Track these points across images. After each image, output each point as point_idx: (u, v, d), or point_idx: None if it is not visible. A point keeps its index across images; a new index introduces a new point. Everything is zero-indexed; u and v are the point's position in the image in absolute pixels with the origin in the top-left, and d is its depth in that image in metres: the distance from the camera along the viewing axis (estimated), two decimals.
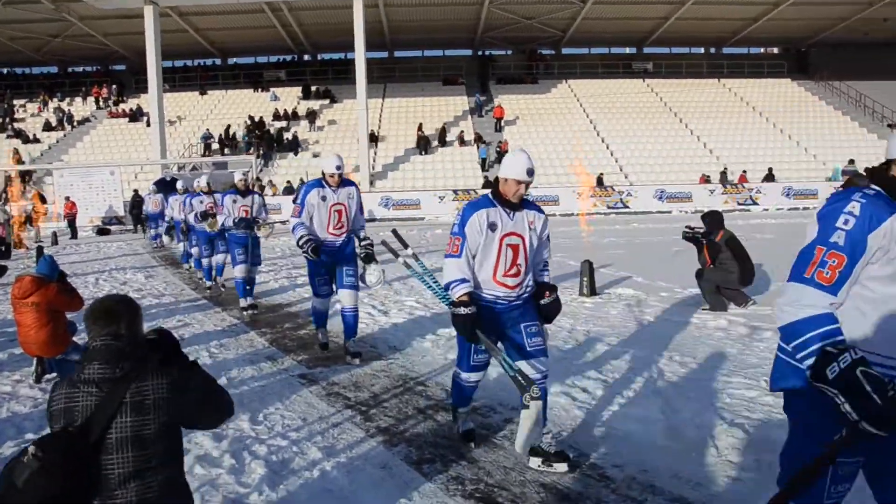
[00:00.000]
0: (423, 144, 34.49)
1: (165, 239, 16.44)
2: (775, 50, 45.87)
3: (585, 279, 9.49)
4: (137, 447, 2.18)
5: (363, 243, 6.64)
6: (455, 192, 29.71)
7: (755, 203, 29.22)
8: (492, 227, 3.94)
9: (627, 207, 29.50)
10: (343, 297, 6.60)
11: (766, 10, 37.62)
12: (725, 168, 31.88)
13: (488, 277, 4.00)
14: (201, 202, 11.16)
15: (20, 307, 5.87)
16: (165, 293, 11.06)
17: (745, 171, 31.13)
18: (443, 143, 35.28)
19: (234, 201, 9.21)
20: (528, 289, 4.12)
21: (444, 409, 5.00)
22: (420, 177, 32.29)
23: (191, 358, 2.53)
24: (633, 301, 8.97)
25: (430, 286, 4.68)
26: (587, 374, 5.65)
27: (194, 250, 12.27)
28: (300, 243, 6.39)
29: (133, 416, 2.18)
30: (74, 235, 24.67)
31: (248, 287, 9.24)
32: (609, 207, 29.57)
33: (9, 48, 39.93)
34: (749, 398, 4.89)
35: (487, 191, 4.21)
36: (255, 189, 12.25)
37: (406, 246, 5.62)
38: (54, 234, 22.44)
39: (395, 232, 5.90)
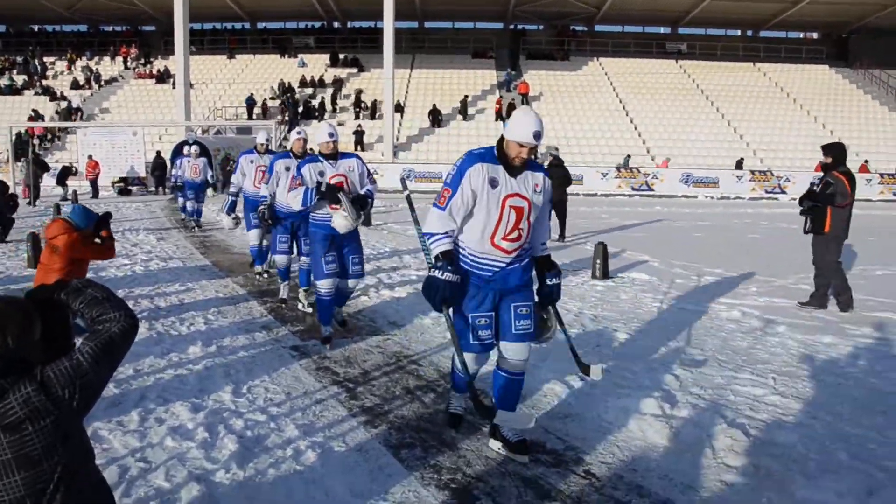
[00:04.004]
0: (435, 119, 34.09)
1: (227, 221, 9.83)
2: (815, 35, 44.65)
3: (598, 261, 9.23)
4: (26, 468, 1.86)
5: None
6: None
7: (783, 192, 28.57)
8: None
9: (652, 190, 28.99)
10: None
11: None
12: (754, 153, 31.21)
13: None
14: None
15: (46, 247, 5.83)
16: (174, 256, 10.96)
17: (866, 161, 30.31)
18: (465, 115, 34.87)
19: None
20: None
21: (434, 390, 4.82)
22: (444, 149, 31.96)
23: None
24: (647, 287, 8.70)
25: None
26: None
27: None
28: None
29: (8, 435, 1.85)
30: (96, 195, 24.73)
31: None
32: (633, 189, 29.09)
33: (38, 5, 40.02)
34: (754, 396, 4.63)
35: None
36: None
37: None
38: (74, 193, 22.49)
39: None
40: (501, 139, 3.67)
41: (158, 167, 26.85)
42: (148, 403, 4.45)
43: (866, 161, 30.03)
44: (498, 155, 3.66)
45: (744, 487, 3.41)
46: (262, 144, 9.43)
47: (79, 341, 2.07)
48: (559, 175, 13.06)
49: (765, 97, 37.17)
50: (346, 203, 5.66)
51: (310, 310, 7.01)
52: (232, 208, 9.59)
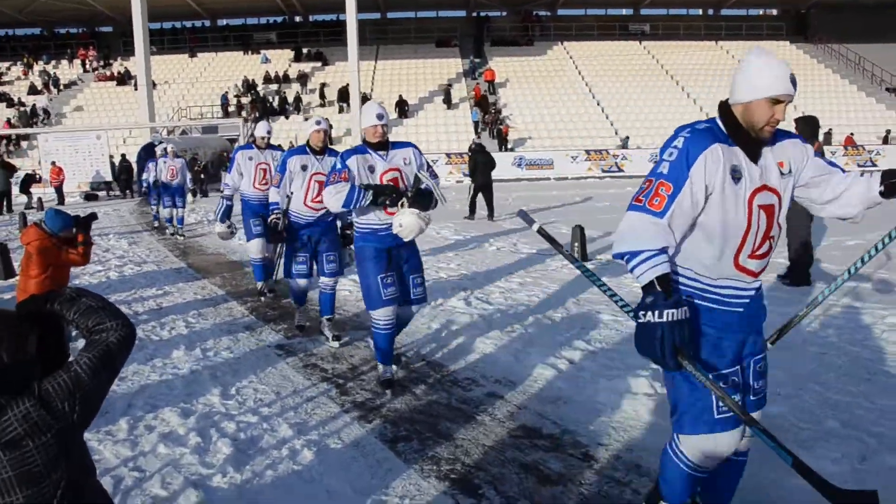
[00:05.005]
0: (402, 109, 33.97)
1: (220, 229, 8.23)
2: (774, 11, 45.16)
3: (577, 244, 9.27)
4: (28, 485, 1.79)
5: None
6: (448, 155, 29.35)
7: None
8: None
9: (622, 171, 29.16)
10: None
11: None
12: None
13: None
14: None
15: (24, 254, 5.75)
16: (148, 260, 10.80)
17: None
18: (449, 104, 34.75)
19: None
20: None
21: (424, 381, 4.81)
22: (413, 139, 31.81)
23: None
24: (626, 267, 8.73)
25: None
26: (574, 345, 5.44)
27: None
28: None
29: (8, 453, 1.77)
30: (62, 201, 24.24)
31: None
32: (604, 171, 29.22)
33: None
34: None
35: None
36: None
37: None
38: (39, 200, 22.08)
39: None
40: (725, 108, 2.45)
41: (125, 170, 26.40)
42: (136, 411, 4.38)
43: (852, 133, 30.57)
44: (727, 130, 2.42)
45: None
46: (262, 138, 7.91)
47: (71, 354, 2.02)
48: (484, 161, 14.79)
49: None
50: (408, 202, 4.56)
51: (336, 344, 5.81)
52: (227, 214, 8.06)
